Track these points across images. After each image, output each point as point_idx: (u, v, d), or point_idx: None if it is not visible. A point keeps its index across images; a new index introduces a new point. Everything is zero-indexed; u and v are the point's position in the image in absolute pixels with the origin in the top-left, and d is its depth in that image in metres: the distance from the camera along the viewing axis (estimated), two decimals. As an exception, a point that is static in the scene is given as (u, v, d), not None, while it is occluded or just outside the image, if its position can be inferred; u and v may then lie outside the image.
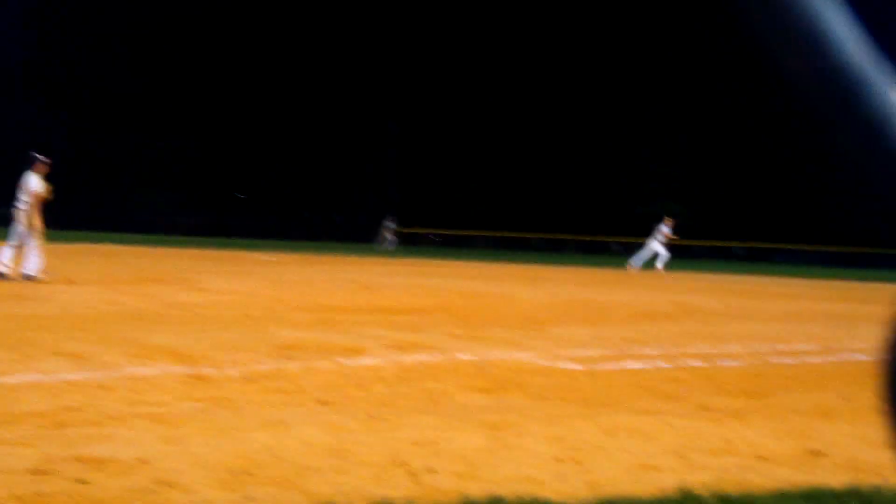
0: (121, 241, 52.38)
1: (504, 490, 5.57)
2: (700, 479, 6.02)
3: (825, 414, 8.59)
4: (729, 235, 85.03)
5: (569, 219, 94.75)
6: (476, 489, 5.60)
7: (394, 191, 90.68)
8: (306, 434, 6.89)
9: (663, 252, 43.23)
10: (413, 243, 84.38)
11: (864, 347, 14.50)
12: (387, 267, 37.04)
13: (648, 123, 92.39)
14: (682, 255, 78.77)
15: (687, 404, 8.84)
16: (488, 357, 11.59)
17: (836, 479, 6.15)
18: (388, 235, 70.10)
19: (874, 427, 7.98)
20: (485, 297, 22.18)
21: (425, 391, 8.92)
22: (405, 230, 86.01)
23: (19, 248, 20.78)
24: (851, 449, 7.16)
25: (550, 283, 30.32)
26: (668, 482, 5.92)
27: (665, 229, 43.39)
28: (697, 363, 11.89)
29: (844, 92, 0.66)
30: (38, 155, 20.91)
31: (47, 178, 20.93)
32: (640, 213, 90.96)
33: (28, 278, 20.28)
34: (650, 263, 43.07)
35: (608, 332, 15.29)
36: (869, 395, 9.62)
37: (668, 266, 43.04)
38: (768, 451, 7.01)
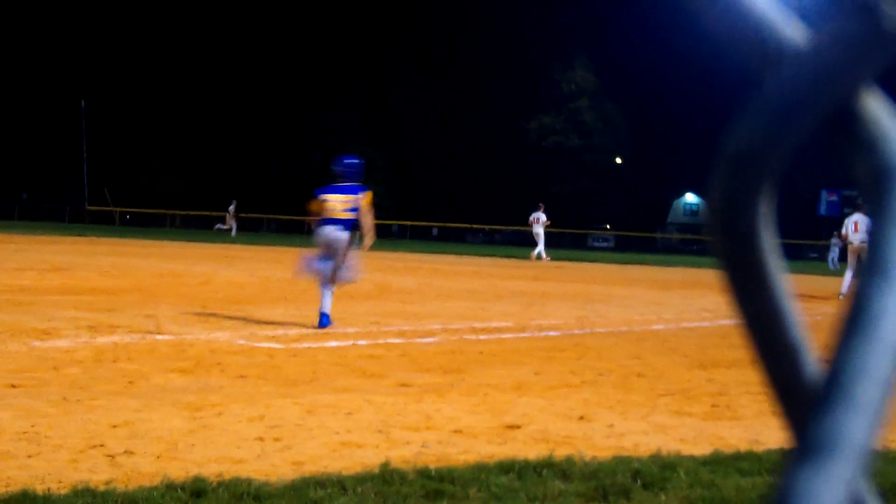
0: None
1: (206, 470, 5.52)
2: (401, 455, 6.13)
3: (519, 388, 8.89)
4: (426, 216, 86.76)
5: (265, 198, 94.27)
6: (177, 470, 5.52)
7: (85, 168, 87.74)
8: (-4, 419, 6.62)
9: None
10: (108, 222, 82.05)
11: (556, 324, 15.09)
12: (77, 247, 35.86)
13: (346, 105, 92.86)
14: (381, 235, 79.80)
15: (387, 381, 8.98)
16: (186, 337, 11.42)
17: (531, 450, 6.38)
18: (231, 221, 65.30)
19: (565, 400, 8.33)
20: (181, 277, 21.81)
21: (122, 373, 8.71)
22: (93, 208, 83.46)
23: None
24: (544, 421, 7.45)
25: (248, 262, 30.10)
26: (370, 458, 6.00)
27: (543, 217, 44.19)
28: (396, 341, 12.08)
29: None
30: None
31: None
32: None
33: None
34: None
35: (307, 311, 15.30)
36: (560, 370, 10.05)
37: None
38: (466, 425, 7.21)
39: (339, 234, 13.20)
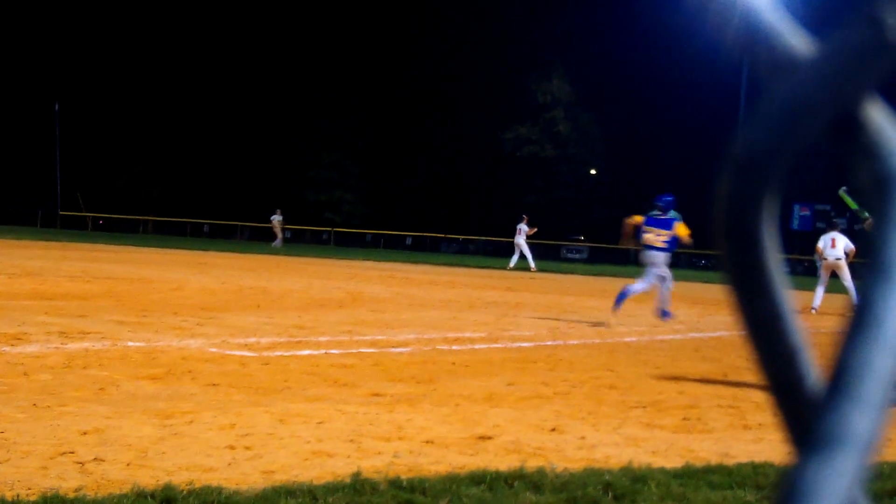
0: None
1: (176, 478, 5.49)
2: (373, 465, 6.11)
3: (491, 399, 8.88)
4: (399, 225, 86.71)
5: (239, 204, 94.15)
6: (147, 478, 5.48)
7: (58, 172, 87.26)
8: (-36, 424, 6.56)
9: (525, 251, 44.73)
10: (81, 227, 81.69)
11: (528, 335, 15.10)
12: (49, 251, 35.65)
13: (322, 112, 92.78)
14: (353, 244, 79.71)
15: (358, 391, 8.95)
16: (157, 344, 11.36)
17: (502, 461, 6.37)
18: (279, 232, 62.22)
19: (537, 412, 8.33)
20: (153, 283, 21.72)
21: (92, 379, 8.65)
22: (66, 213, 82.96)
23: None
24: (516, 433, 7.44)
25: (221, 269, 30.00)
26: (341, 468, 5.98)
27: (526, 228, 44.62)
28: (368, 350, 12.05)
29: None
30: None
31: None
32: (311, 201, 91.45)
33: None
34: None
35: (280, 319, 15.28)
36: (532, 381, 10.05)
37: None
38: (438, 435, 7.19)
39: (661, 257, 17.71)
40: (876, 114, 0.53)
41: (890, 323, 0.49)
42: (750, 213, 0.52)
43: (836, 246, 25.13)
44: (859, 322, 0.49)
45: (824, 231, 26.55)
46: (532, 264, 44.38)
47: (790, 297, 0.56)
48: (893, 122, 0.54)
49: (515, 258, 45.17)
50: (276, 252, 51.06)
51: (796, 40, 0.54)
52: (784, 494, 0.47)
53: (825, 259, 25.22)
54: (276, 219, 62.40)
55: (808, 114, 0.50)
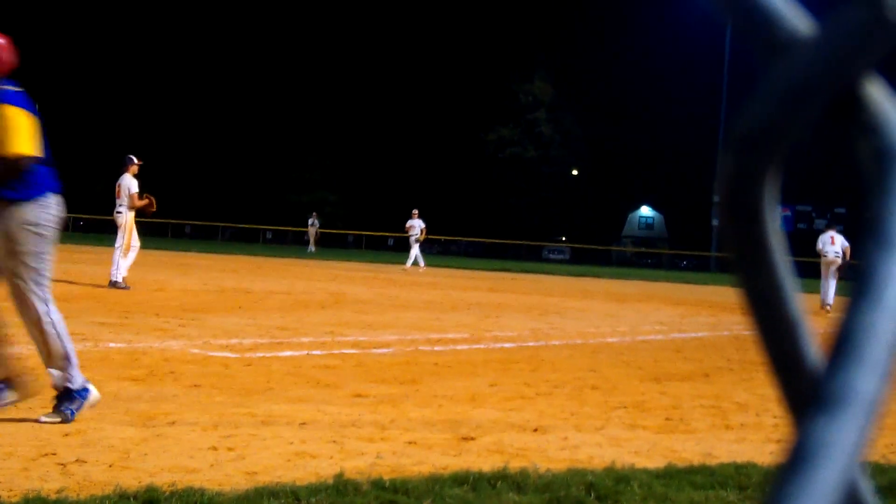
0: None
1: (158, 480, 5.47)
2: (355, 466, 6.10)
3: (474, 400, 8.87)
4: (382, 226, 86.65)
5: (221, 205, 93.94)
6: (129, 479, 5.46)
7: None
8: (-55, 426, 6.53)
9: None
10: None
11: (511, 336, 15.10)
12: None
13: (303, 114, 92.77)
14: (333, 244, 79.60)
15: (341, 392, 8.94)
16: (139, 346, 11.33)
17: (485, 462, 6.36)
18: (313, 236, 61.76)
19: (520, 412, 8.33)
20: (134, 284, 21.66)
21: (74, 380, 8.60)
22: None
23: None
24: (499, 433, 7.44)
25: (203, 270, 29.94)
26: (324, 469, 5.97)
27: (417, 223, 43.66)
28: (351, 351, 12.04)
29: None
30: (132, 156, 22.67)
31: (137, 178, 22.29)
32: (293, 202, 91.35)
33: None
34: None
35: (262, 320, 15.24)
36: (514, 382, 10.04)
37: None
38: (421, 436, 7.18)
39: None
40: (875, 91, 0.54)
41: (891, 290, 0.51)
42: (752, 189, 0.53)
43: (835, 243, 26.32)
44: (862, 288, 0.51)
45: (823, 230, 27.49)
46: (409, 263, 42.98)
47: (790, 272, 0.57)
48: (892, 100, 0.55)
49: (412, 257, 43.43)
50: (309, 256, 51.24)
51: (796, 20, 0.55)
52: (791, 455, 0.48)
53: (825, 255, 26.04)
54: (314, 222, 62.64)
55: (809, 92, 0.52)
